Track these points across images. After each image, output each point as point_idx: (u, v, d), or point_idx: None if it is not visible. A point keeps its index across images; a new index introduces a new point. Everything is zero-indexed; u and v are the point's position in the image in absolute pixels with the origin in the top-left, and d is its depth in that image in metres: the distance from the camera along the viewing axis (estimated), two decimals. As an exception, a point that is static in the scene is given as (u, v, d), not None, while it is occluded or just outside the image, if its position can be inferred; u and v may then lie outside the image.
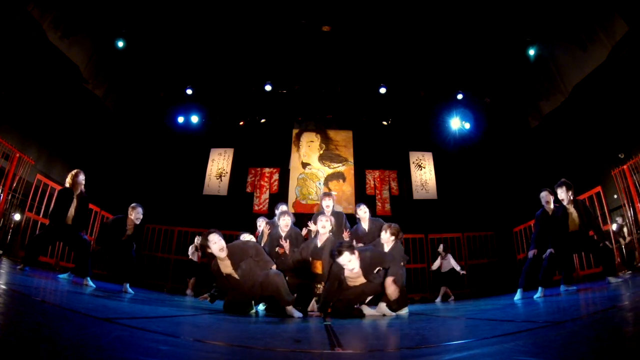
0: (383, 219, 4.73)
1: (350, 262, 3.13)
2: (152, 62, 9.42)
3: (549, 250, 4.14)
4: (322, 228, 3.89)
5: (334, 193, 4.71)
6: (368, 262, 3.26)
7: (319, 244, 3.90)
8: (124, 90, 9.95)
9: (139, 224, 4.86)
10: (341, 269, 3.23)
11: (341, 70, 9.93)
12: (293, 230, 4.37)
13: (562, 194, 4.17)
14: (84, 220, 4.77)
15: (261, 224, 4.95)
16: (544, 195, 4.50)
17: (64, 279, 4.43)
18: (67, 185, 4.58)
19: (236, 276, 3.20)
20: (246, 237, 4.34)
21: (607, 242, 4.02)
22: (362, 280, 3.32)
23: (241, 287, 3.21)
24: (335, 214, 4.48)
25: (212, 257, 3.25)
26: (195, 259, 7.63)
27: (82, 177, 4.65)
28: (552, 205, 4.45)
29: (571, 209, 4.17)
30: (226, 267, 3.22)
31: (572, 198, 4.16)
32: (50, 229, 4.53)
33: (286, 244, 4.07)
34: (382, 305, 3.33)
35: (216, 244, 3.11)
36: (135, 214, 4.79)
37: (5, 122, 6.92)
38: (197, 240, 7.57)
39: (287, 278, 3.46)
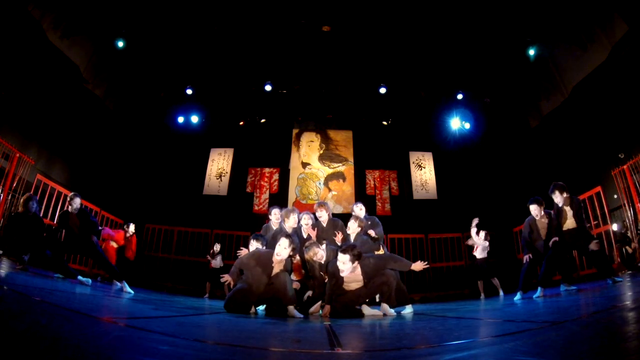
0: (383, 219, 4.80)
1: (344, 264, 3.18)
2: (152, 62, 9.41)
3: (551, 249, 4.17)
4: (320, 259, 3.92)
5: (327, 203, 4.76)
6: (372, 268, 3.30)
7: (322, 262, 3.93)
8: (124, 90, 9.95)
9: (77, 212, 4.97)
10: (337, 268, 3.25)
11: (341, 70, 9.92)
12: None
13: (556, 198, 4.19)
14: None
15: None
16: (534, 209, 4.55)
17: (58, 277, 4.48)
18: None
19: (267, 280, 3.32)
20: (257, 245, 4.23)
21: (593, 244, 4.12)
22: (359, 284, 3.35)
23: (264, 289, 3.30)
24: (332, 222, 4.51)
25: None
26: (216, 263, 7.86)
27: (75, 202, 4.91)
28: (539, 217, 4.53)
29: (566, 208, 4.20)
30: (275, 265, 3.30)
31: (567, 198, 4.19)
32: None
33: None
34: (385, 306, 3.36)
35: (286, 249, 3.29)
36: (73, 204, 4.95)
37: (5, 122, 6.91)
38: (217, 247, 8.00)
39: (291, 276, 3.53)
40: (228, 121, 10.87)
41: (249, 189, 10.48)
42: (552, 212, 4.48)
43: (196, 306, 3.88)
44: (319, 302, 3.77)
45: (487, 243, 6.84)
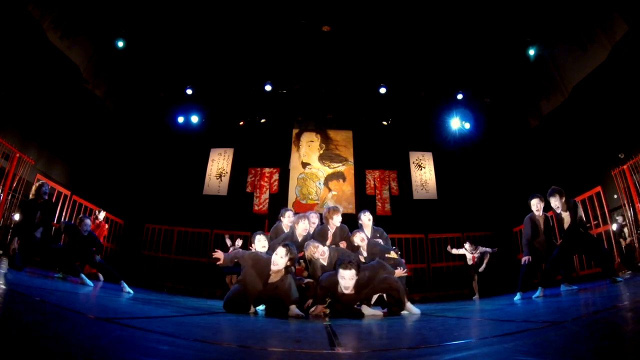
0: (383, 219, 4.79)
1: (351, 280, 3.13)
2: (152, 62, 9.41)
3: (556, 250, 4.17)
4: (322, 255, 3.92)
5: (340, 207, 4.72)
6: (365, 280, 3.28)
7: (325, 263, 3.93)
8: (124, 90, 9.95)
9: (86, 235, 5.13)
10: (335, 284, 3.23)
11: (341, 70, 9.92)
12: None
13: (555, 202, 4.16)
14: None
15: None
16: (535, 203, 4.44)
17: (59, 277, 4.50)
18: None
19: (260, 287, 3.33)
20: (262, 238, 4.22)
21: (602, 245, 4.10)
22: (352, 291, 3.34)
23: (265, 290, 3.31)
24: (340, 229, 4.47)
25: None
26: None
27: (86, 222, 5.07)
28: (541, 213, 4.45)
29: (564, 214, 4.19)
30: (272, 274, 3.30)
31: (564, 204, 4.18)
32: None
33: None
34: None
35: (282, 259, 3.26)
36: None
37: (5, 122, 6.91)
38: (238, 242, 7.72)
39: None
40: (228, 121, 10.88)
41: (249, 189, 10.48)
42: (548, 214, 4.47)
43: (196, 306, 3.88)
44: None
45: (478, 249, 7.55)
